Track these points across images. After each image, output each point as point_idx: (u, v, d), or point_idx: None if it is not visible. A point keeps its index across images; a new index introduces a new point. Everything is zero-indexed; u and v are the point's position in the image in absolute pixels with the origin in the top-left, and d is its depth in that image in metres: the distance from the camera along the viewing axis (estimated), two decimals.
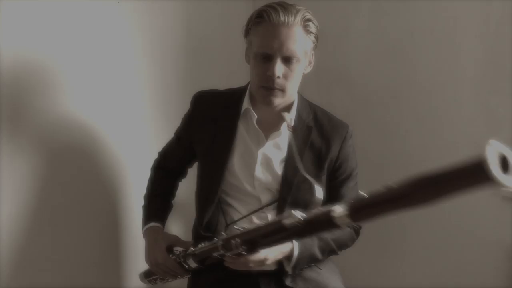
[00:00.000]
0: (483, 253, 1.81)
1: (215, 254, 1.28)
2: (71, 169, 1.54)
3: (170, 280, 1.48)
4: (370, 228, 1.62)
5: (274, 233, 1.18)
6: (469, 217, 1.82)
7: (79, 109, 1.55)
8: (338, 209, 1.04)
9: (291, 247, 1.33)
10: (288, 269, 1.36)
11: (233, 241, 1.23)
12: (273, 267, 1.39)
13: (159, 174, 1.60)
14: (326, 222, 1.08)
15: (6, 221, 1.37)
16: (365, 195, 1.00)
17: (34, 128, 1.44)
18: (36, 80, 1.44)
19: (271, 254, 1.28)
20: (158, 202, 1.57)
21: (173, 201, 1.60)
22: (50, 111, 1.47)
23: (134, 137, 1.73)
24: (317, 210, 1.11)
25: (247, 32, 1.37)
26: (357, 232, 1.49)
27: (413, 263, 1.97)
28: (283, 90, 1.33)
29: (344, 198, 1.41)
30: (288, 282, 1.39)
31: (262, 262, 1.28)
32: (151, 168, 1.62)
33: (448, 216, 1.83)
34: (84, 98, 1.55)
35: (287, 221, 1.14)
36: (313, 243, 1.37)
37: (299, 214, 1.12)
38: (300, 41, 1.30)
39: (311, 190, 1.22)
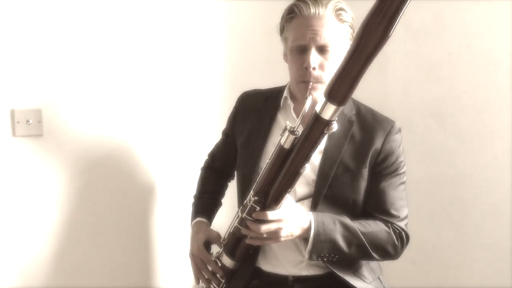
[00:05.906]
0: (483, 253, 1.83)
1: (236, 224, 1.30)
2: (107, 175, 1.73)
3: None
4: None
5: (278, 165, 1.19)
6: (470, 217, 1.85)
7: (120, 113, 1.74)
8: (320, 104, 1.10)
9: (309, 224, 1.31)
10: (306, 254, 1.32)
11: (247, 198, 1.26)
12: (293, 249, 1.39)
13: (207, 173, 1.71)
14: (317, 121, 1.11)
15: (51, 226, 1.57)
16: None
17: (74, 137, 1.62)
18: (75, 92, 1.64)
19: (285, 224, 1.25)
20: (206, 199, 1.65)
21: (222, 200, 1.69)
22: (88, 118, 1.67)
23: (173, 141, 1.89)
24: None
25: (282, 31, 1.42)
26: (398, 235, 1.39)
27: (413, 263, 1.97)
28: (321, 83, 1.33)
29: (385, 195, 1.39)
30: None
31: (277, 230, 1.25)
32: (201, 168, 1.74)
33: (448, 217, 1.87)
34: (128, 100, 1.75)
35: (283, 140, 1.17)
36: (335, 229, 1.32)
37: (289, 127, 1.18)
38: (333, 29, 1.31)
39: (352, 184, 1.22)
